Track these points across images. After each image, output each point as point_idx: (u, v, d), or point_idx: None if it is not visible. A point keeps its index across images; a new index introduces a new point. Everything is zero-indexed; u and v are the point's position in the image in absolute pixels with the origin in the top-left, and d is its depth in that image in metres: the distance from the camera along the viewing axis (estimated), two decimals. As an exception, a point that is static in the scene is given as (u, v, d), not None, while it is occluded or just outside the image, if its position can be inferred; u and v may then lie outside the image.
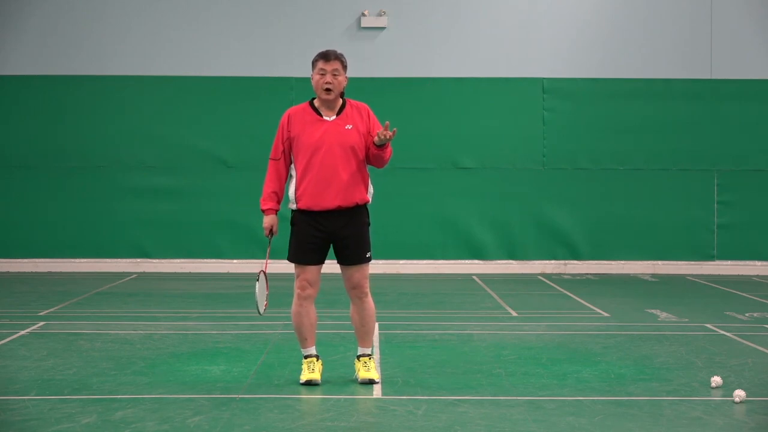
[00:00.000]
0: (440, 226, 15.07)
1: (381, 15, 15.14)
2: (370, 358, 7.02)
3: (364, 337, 7.01)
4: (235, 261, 15.01)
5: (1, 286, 12.98)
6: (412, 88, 15.00)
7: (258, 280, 6.93)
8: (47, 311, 10.56)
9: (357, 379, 7.01)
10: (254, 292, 6.93)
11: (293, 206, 6.90)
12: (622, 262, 15.18)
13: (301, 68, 15.06)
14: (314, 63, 6.86)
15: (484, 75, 15.19)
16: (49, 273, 14.73)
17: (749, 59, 15.20)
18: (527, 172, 15.16)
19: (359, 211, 6.87)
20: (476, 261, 15.11)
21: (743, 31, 15.22)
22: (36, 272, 14.81)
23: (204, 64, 15.13)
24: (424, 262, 14.99)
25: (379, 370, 7.33)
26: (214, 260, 15.02)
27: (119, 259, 14.99)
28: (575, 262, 15.15)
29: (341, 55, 6.86)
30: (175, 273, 14.84)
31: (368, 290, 6.97)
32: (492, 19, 15.22)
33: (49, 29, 15.05)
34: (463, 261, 15.10)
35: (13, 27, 15.04)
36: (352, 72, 14.54)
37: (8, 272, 14.75)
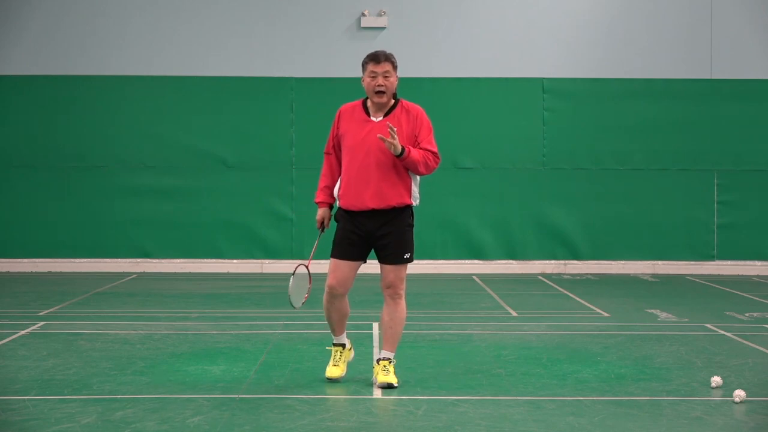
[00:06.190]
0: (440, 226, 15.06)
1: (381, 15, 15.14)
2: (390, 362, 6.84)
3: (389, 340, 6.86)
4: (235, 261, 15.01)
5: (1, 286, 12.98)
6: (411, 88, 14.91)
7: (294, 274, 6.82)
8: (47, 311, 10.56)
9: (375, 383, 6.87)
10: (288, 286, 6.80)
11: (337, 203, 6.90)
12: (622, 262, 15.18)
13: (301, 68, 15.07)
14: (364, 65, 6.75)
15: (484, 75, 15.18)
16: (49, 273, 14.73)
17: (749, 59, 15.20)
18: (527, 172, 15.16)
19: (399, 213, 6.75)
20: (476, 261, 15.11)
21: (743, 31, 15.21)
22: (36, 272, 14.80)
23: (204, 64, 15.12)
24: (424, 262, 14.97)
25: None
26: (214, 260, 15.02)
27: (119, 259, 14.99)
28: (575, 262, 15.14)
29: (391, 54, 6.76)
30: (175, 273, 14.83)
31: (403, 293, 6.84)
32: (492, 19, 15.22)
33: (49, 29, 15.05)
34: (463, 261, 15.10)
35: (13, 27, 15.04)
36: (353, 72, 14.55)
37: (8, 272, 14.74)
